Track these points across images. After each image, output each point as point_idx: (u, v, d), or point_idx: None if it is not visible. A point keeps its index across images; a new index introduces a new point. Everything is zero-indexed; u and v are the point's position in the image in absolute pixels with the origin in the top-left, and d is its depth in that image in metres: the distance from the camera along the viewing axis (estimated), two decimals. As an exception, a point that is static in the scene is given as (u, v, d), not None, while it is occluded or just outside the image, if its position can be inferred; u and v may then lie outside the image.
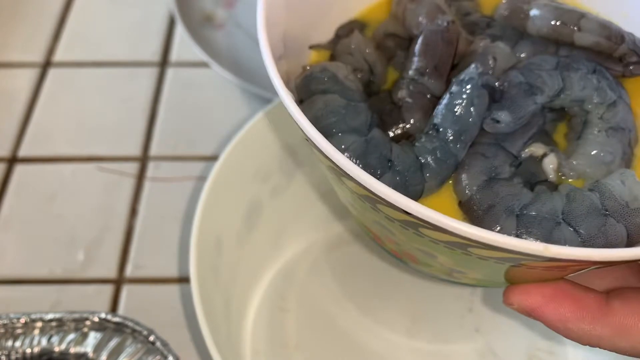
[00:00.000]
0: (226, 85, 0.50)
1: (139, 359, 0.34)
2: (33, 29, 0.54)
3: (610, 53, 0.28)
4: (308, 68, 0.28)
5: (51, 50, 0.53)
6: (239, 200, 0.37)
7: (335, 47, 0.30)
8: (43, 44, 0.53)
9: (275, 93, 0.42)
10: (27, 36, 0.54)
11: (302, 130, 0.23)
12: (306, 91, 0.27)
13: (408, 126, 0.27)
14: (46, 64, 0.52)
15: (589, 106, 0.27)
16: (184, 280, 0.41)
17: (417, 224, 0.22)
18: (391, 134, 0.27)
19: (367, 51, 0.29)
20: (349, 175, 0.22)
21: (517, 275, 0.25)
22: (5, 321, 0.36)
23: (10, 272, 0.41)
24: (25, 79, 0.51)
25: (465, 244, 0.22)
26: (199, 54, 0.48)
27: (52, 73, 0.51)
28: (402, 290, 0.40)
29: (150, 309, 0.39)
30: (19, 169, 0.46)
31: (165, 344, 0.35)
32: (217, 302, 0.34)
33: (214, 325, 0.32)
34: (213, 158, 0.46)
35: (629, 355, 0.24)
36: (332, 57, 0.30)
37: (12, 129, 0.48)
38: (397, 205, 0.21)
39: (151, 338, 0.35)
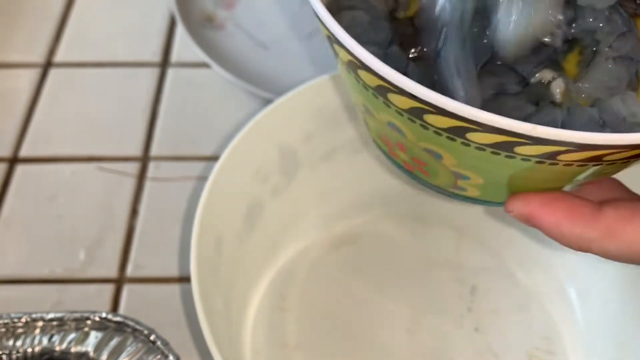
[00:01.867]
0: (226, 86, 0.50)
1: (140, 358, 0.35)
2: (34, 29, 0.54)
3: None
4: None
5: (52, 50, 0.53)
6: (239, 200, 0.37)
7: None
8: (44, 44, 0.53)
9: (275, 93, 0.43)
10: (28, 36, 0.54)
11: (327, 29, 0.25)
12: (336, 6, 0.29)
13: (426, 49, 0.28)
14: (47, 65, 0.52)
15: (600, 36, 0.28)
16: (184, 279, 0.41)
17: (422, 110, 0.23)
18: (410, 55, 0.28)
19: None
20: (363, 63, 0.23)
21: (517, 180, 0.26)
22: (6, 320, 0.36)
23: (11, 271, 0.42)
24: (26, 79, 0.51)
25: (465, 128, 0.23)
26: (199, 55, 0.48)
27: (53, 73, 0.51)
28: (402, 289, 0.40)
29: (151, 309, 0.40)
30: (20, 169, 0.46)
31: (165, 344, 0.35)
32: (218, 302, 0.34)
33: (215, 325, 0.32)
34: (213, 158, 0.46)
35: (616, 258, 0.25)
36: None
37: (13, 129, 0.48)
38: (402, 87, 0.23)
39: (152, 337, 0.35)
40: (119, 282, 0.41)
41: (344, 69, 0.27)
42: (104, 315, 0.36)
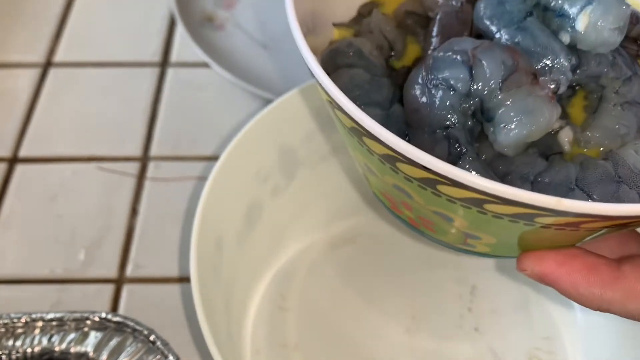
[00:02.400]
0: (226, 86, 0.50)
1: (140, 358, 0.35)
2: (34, 29, 0.54)
3: (626, 34, 0.28)
4: (335, 43, 0.29)
5: (52, 50, 0.53)
6: (239, 200, 0.37)
7: (357, 25, 0.31)
8: (44, 44, 0.53)
9: (275, 93, 0.43)
10: (28, 36, 0.54)
11: (329, 95, 0.24)
12: (332, 64, 0.28)
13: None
14: (47, 64, 0.52)
15: (605, 81, 0.28)
16: (184, 279, 0.41)
17: (436, 181, 0.23)
18: None
19: (387, 29, 0.30)
20: (371, 133, 0.23)
21: (531, 239, 0.25)
22: (6, 321, 0.36)
23: (11, 271, 0.42)
24: (26, 79, 0.51)
25: (482, 200, 0.22)
26: (199, 55, 0.48)
27: (52, 73, 0.51)
28: (402, 289, 0.40)
29: (151, 309, 0.40)
30: (20, 169, 0.46)
31: (165, 344, 0.35)
32: (218, 302, 0.34)
33: (215, 325, 0.32)
34: (213, 158, 0.46)
35: (636, 318, 0.24)
36: (355, 35, 0.31)
37: (13, 129, 0.48)
38: (417, 161, 0.22)
39: (152, 337, 0.35)
40: (119, 282, 0.41)
41: (344, 132, 0.26)
42: (103, 315, 0.36)
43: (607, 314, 0.36)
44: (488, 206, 0.23)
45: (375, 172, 0.27)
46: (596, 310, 0.25)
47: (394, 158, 0.23)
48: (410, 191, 0.25)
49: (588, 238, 0.25)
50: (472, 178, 0.21)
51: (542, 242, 0.25)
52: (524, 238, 0.25)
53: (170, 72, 0.51)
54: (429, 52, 0.28)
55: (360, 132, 0.24)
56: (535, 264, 0.25)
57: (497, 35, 0.27)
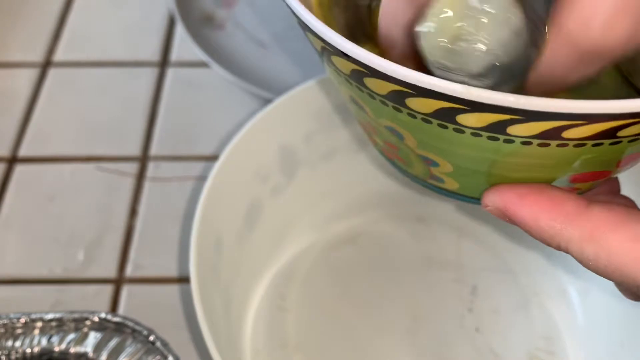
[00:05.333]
0: (226, 85, 0.50)
1: (139, 358, 0.35)
2: (33, 28, 0.54)
3: None
4: None
5: (51, 50, 0.53)
6: (239, 200, 0.37)
7: None
8: (43, 43, 0.53)
9: (275, 93, 0.43)
10: (27, 36, 0.54)
11: (298, 17, 0.23)
12: None
13: None
14: (46, 64, 0.52)
15: None
16: (184, 280, 0.41)
17: (362, 74, 0.21)
18: None
19: None
20: (332, 46, 0.21)
21: (494, 172, 0.23)
22: (5, 321, 0.36)
23: (10, 272, 0.42)
24: (25, 78, 0.51)
25: (402, 92, 0.20)
26: (199, 54, 0.48)
27: (52, 73, 0.51)
28: (403, 290, 0.40)
29: (150, 309, 0.40)
30: (19, 169, 0.46)
31: (165, 344, 0.35)
32: (217, 302, 0.34)
33: (214, 325, 0.32)
34: (213, 158, 0.46)
35: (592, 267, 0.22)
36: None
37: (12, 128, 0.48)
38: (342, 49, 0.21)
39: (151, 338, 0.35)
40: (118, 282, 0.41)
41: (328, 68, 0.25)
42: (103, 315, 0.36)
43: (607, 313, 0.36)
44: (410, 102, 0.21)
45: (342, 89, 0.26)
46: (555, 248, 0.23)
47: (359, 73, 0.22)
48: (363, 103, 0.24)
49: (564, 174, 0.23)
50: (383, 63, 0.19)
51: (509, 173, 0.23)
52: (488, 172, 0.23)
53: (170, 72, 0.51)
54: None
55: (330, 51, 0.22)
56: (496, 197, 0.23)
57: None
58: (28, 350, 0.35)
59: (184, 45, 0.53)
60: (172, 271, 0.41)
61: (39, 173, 0.46)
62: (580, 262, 0.22)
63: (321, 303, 0.39)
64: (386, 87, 0.21)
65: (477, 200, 0.26)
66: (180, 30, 0.52)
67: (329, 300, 0.39)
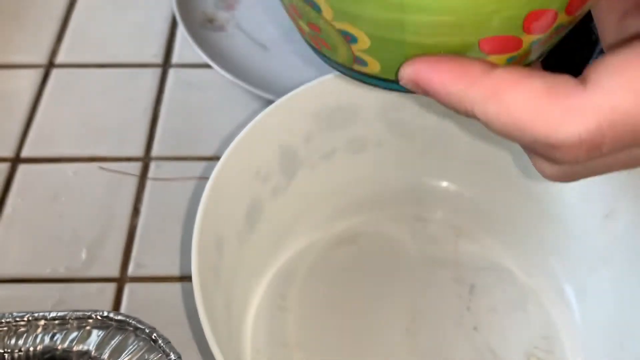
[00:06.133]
0: (227, 86, 0.50)
1: (141, 356, 0.35)
2: (36, 30, 0.54)
3: None
4: None
5: (54, 51, 0.53)
6: (239, 200, 0.37)
7: None
8: (46, 45, 0.53)
9: (275, 94, 0.43)
10: (30, 38, 0.54)
11: None
12: None
13: None
14: (49, 65, 0.52)
15: None
16: (185, 279, 0.41)
17: None
18: None
19: None
20: None
21: (412, 45, 0.23)
22: (8, 319, 0.36)
23: (13, 271, 0.42)
24: (28, 80, 0.51)
25: None
26: (200, 56, 0.49)
27: (54, 74, 0.52)
28: (401, 289, 0.40)
29: (153, 308, 0.40)
30: (22, 169, 0.46)
31: (167, 342, 0.35)
32: (219, 301, 0.34)
33: (215, 324, 0.32)
34: (214, 158, 0.46)
35: (496, 128, 0.22)
36: None
37: (16, 129, 0.48)
38: None
39: (153, 336, 0.35)
40: (121, 281, 0.41)
41: None
42: (105, 314, 0.36)
43: (605, 313, 0.36)
44: None
45: None
46: (462, 113, 0.22)
47: None
48: None
49: (474, 46, 0.23)
50: None
51: (421, 41, 0.23)
52: (401, 40, 0.23)
53: (172, 73, 0.52)
54: None
55: None
56: (409, 68, 0.23)
57: None
58: (31, 349, 0.35)
59: (186, 47, 0.53)
60: (174, 270, 0.42)
61: (41, 173, 0.46)
62: (486, 124, 0.22)
63: (321, 302, 0.39)
64: None
65: (397, 83, 0.26)
66: (181, 32, 0.53)
67: (328, 299, 0.39)
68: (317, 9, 0.24)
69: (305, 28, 0.27)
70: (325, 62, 0.29)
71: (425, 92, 0.23)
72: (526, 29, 0.23)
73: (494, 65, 0.22)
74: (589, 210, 0.37)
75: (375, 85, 0.28)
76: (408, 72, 0.24)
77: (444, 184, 0.43)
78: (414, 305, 0.39)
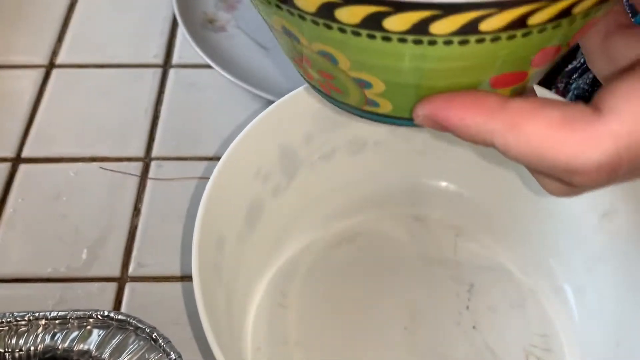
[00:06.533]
0: (227, 87, 0.50)
1: (142, 356, 0.35)
2: (37, 31, 0.54)
3: None
4: None
5: (55, 52, 0.53)
6: (240, 200, 0.37)
7: None
8: (47, 46, 0.53)
9: (275, 94, 0.43)
10: (31, 38, 0.54)
11: None
12: None
13: None
14: (50, 66, 0.52)
15: None
16: (186, 278, 0.41)
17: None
18: None
19: None
20: None
21: (425, 84, 0.25)
22: (9, 319, 0.36)
23: (14, 270, 0.42)
24: (29, 80, 0.51)
25: (331, 4, 0.21)
26: (200, 56, 0.49)
27: (55, 74, 0.52)
28: (401, 287, 0.40)
29: (153, 307, 0.40)
30: (23, 169, 0.46)
31: (167, 341, 0.35)
32: (219, 300, 0.34)
33: (216, 323, 0.32)
34: (215, 158, 0.46)
35: (516, 156, 0.23)
36: None
37: (17, 129, 0.48)
38: None
39: (154, 335, 0.35)
40: (121, 280, 0.41)
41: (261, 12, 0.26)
42: (106, 313, 0.36)
43: (602, 311, 0.37)
44: (338, 13, 0.22)
45: (279, 33, 0.27)
46: (481, 143, 0.24)
47: None
48: (295, 29, 0.25)
49: (485, 83, 0.24)
50: None
51: (436, 84, 0.25)
52: (411, 79, 0.24)
53: (172, 74, 0.52)
54: None
55: None
56: (425, 106, 0.25)
57: None
58: (32, 348, 0.36)
59: (186, 48, 0.53)
60: (175, 269, 0.42)
61: (43, 173, 0.46)
62: (505, 152, 0.23)
63: (321, 300, 0.39)
64: (314, 2, 0.22)
65: (410, 120, 0.27)
66: (182, 33, 0.53)
67: (328, 297, 0.40)
68: (334, 62, 0.25)
69: (315, 75, 0.28)
70: (333, 103, 0.30)
71: (443, 129, 0.25)
72: (534, 64, 0.24)
73: (507, 98, 0.23)
74: (586, 210, 0.37)
75: (385, 123, 0.28)
76: (424, 110, 0.25)
77: (443, 184, 0.43)
78: (413, 304, 0.39)
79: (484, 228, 0.42)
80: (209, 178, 0.35)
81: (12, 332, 0.36)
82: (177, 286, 0.41)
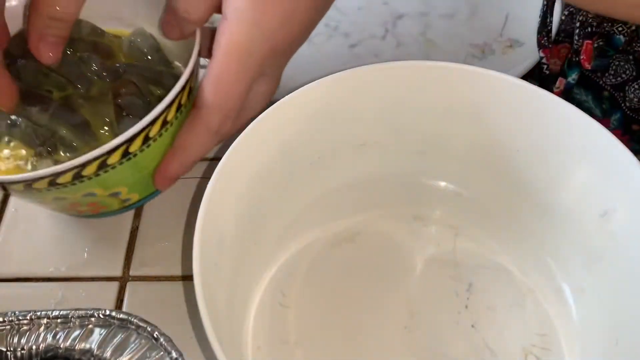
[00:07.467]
0: (228, 87, 0.50)
1: (143, 354, 0.35)
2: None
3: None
4: None
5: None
6: (240, 200, 0.37)
7: None
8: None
9: (276, 95, 0.43)
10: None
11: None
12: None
13: None
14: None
15: None
16: (187, 277, 0.41)
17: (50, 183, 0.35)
18: None
19: None
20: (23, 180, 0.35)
21: (136, 171, 0.39)
22: (11, 318, 0.36)
23: (16, 270, 0.42)
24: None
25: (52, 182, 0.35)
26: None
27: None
28: (401, 287, 0.40)
29: (154, 306, 0.40)
30: (25, 169, 0.46)
31: (168, 340, 0.35)
32: (220, 299, 0.34)
33: (217, 322, 0.32)
34: (216, 158, 0.46)
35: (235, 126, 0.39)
36: None
37: (18, 129, 0.48)
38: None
39: (155, 334, 0.35)
40: (123, 280, 0.42)
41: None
42: (107, 312, 0.36)
43: (601, 310, 0.37)
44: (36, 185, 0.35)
45: (50, 198, 0.37)
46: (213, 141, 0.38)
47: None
48: (64, 195, 0.36)
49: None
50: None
51: (134, 177, 0.39)
52: (130, 176, 0.38)
53: (173, 73, 0.51)
54: None
55: (28, 186, 0.35)
56: (159, 179, 0.39)
57: None
58: (34, 347, 0.36)
59: (186, 47, 0.53)
60: (176, 269, 0.42)
61: (44, 173, 0.46)
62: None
63: (321, 300, 0.40)
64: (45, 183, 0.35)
65: (156, 192, 0.42)
66: (182, 33, 0.53)
67: (328, 297, 0.40)
68: (93, 194, 0.37)
69: (86, 210, 0.40)
70: (103, 217, 0.43)
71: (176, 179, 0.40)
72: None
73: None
74: (585, 210, 0.37)
75: (144, 204, 0.43)
76: (161, 182, 0.40)
77: (442, 183, 0.43)
78: (413, 303, 0.39)
79: (483, 228, 0.42)
80: (209, 178, 0.35)
81: (14, 331, 0.36)
82: (178, 285, 0.41)
